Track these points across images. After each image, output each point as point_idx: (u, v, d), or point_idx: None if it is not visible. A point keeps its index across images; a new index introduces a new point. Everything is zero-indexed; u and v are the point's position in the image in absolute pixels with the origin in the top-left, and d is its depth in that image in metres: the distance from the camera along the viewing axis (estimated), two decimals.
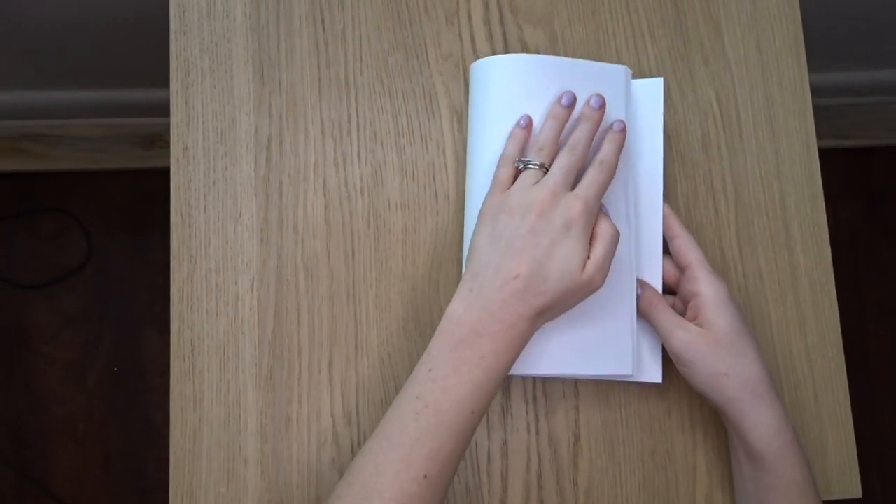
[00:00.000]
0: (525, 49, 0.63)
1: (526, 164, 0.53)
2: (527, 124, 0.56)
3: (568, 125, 0.56)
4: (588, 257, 0.50)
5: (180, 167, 0.60)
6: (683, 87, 0.63)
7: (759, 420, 0.51)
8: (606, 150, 0.54)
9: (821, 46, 1.12)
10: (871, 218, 1.45)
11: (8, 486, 1.32)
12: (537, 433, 0.58)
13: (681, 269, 0.56)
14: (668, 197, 0.61)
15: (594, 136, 0.55)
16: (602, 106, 0.56)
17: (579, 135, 0.54)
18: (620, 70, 0.59)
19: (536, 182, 0.52)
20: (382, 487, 0.46)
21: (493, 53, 0.62)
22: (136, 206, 1.40)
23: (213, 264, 0.59)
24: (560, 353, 0.55)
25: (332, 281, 0.59)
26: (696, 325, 0.53)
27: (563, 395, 0.59)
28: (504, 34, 0.63)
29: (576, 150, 0.53)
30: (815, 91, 0.64)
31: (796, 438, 0.52)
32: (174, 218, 0.59)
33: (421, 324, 0.59)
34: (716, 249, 0.61)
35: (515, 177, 0.54)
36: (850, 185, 1.45)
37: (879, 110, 1.41)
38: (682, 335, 0.53)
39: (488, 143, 0.57)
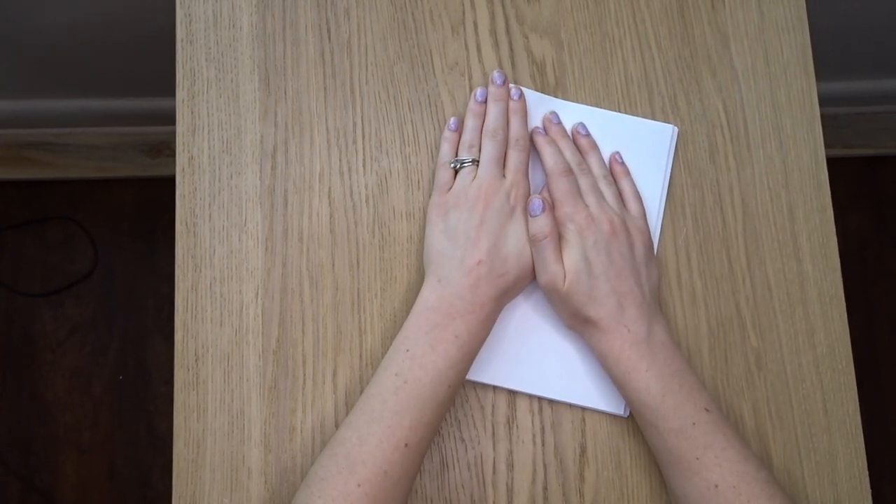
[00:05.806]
0: (531, 59, 0.62)
1: (461, 163, 0.57)
2: (456, 127, 0.60)
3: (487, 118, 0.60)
4: None
5: (186, 176, 0.60)
6: (690, 97, 0.63)
7: (592, 347, 0.56)
8: (513, 127, 0.59)
9: (828, 56, 1.12)
10: (880, 228, 1.44)
11: (12, 496, 1.32)
12: (543, 444, 0.58)
13: None
14: (668, 213, 0.61)
15: (506, 116, 0.59)
16: (505, 83, 0.60)
17: (493, 122, 0.58)
18: (667, 129, 0.62)
19: (474, 177, 0.56)
20: (366, 456, 0.49)
21: (499, 63, 0.62)
22: (142, 214, 1.40)
23: (217, 273, 0.59)
24: (560, 380, 0.58)
25: (336, 290, 0.59)
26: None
27: (569, 406, 0.58)
28: (510, 43, 0.63)
29: (496, 136, 0.58)
30: (823, 100, 0.63)
31: (642, 367, 0.52)
32: (179, 227, 0.59)
33: None
34: (723, 260, 0.60)
35: (454, 176, 0.58)
36: (859, 194, 1.44)
37: (887, 119, 1.40)
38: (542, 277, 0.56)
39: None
